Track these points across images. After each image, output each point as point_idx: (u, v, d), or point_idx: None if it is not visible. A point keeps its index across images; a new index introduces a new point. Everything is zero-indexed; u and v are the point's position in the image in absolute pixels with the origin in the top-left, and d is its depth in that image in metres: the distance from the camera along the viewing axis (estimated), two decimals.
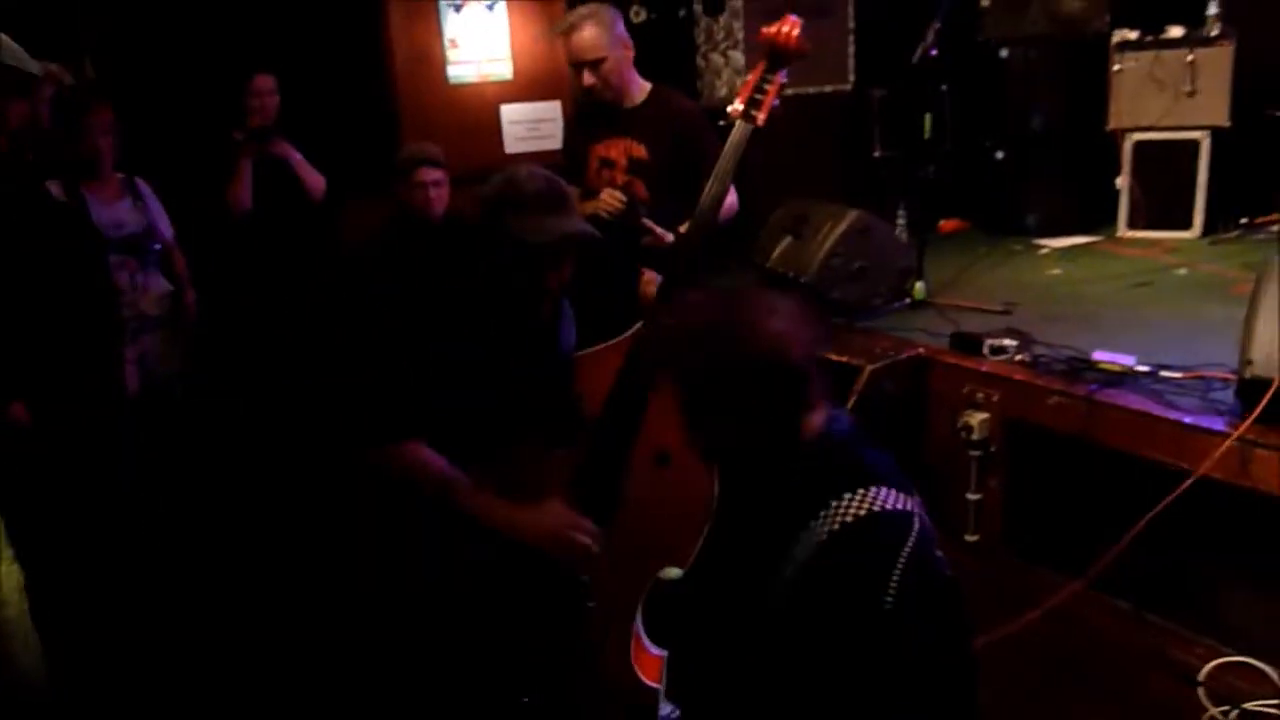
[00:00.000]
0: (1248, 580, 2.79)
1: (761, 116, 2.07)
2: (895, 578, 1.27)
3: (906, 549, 1.29)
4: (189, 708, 2.89)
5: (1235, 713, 2.50)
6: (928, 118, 3.95)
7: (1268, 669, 2.59)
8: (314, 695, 2.88)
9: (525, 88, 4.94)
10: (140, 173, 3.78)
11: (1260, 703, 2.52)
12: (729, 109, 2.10)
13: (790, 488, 1.38)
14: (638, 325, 2.04)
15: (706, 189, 2.08)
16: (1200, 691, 2.60)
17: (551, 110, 4.94)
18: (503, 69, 4.88)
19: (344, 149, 4.38)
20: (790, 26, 2.06)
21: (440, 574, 2.00)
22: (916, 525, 1.33)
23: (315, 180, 4.15)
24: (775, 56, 2.08)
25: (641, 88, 3.23)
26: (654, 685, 2.05)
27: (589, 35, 3.04)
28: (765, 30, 2.09)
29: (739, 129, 2.07)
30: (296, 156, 4.12)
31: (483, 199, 1.96)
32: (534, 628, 2.00)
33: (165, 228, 3.78)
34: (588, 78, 3.09)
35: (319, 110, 4.38)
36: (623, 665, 2.03)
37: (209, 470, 3.84)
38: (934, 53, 3.69)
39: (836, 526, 1.31)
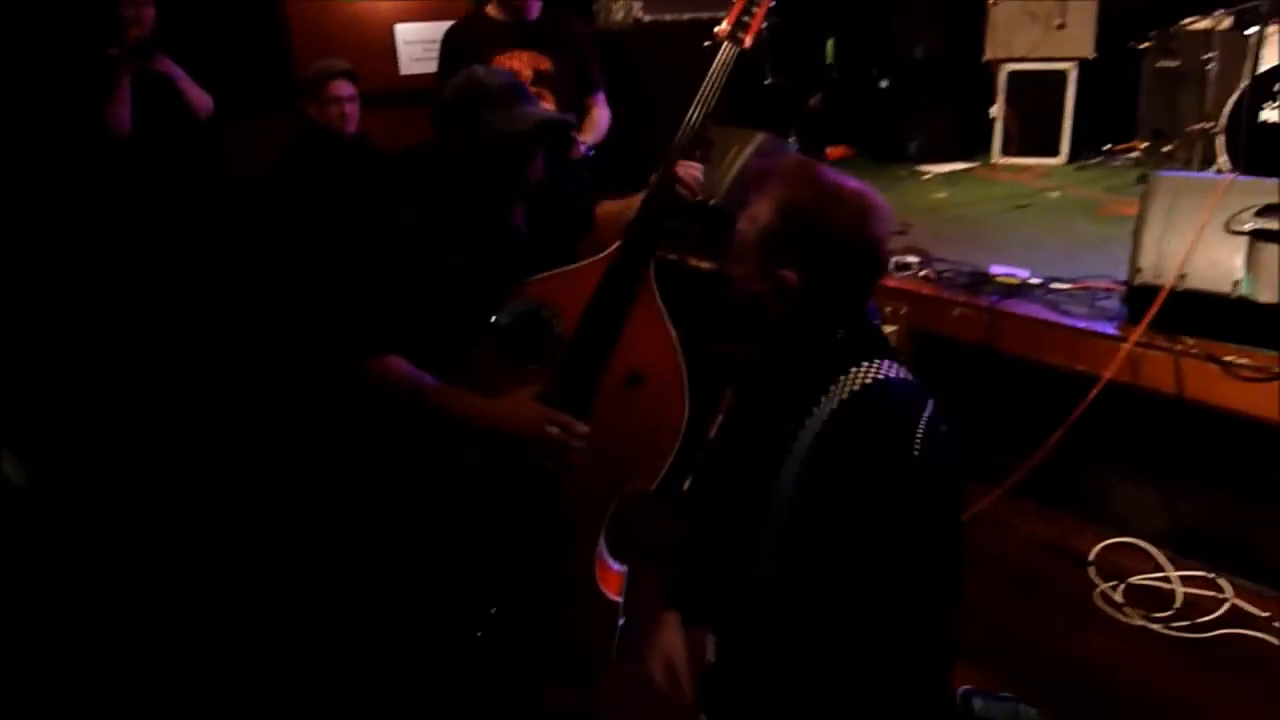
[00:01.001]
0: (1126, 470, 3.09)
1: (748, 39, 2.04)
2: (920, 431, 1.35)
3: (927, 411, 1.39)
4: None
5: (1122, 586, 2.79)
6: (830, 43, 4.05)
7: (1148, 547, 2.90)
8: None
9: (420, 7, 4.78)
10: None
11: (1142, 576, 2.83)
12: (715, 29, 2.05)
13: (821, 357, 1.46)
14: (616, 245, 2.03)
15: (693, 110, 2.06)
16: (1090, 570, 2.89)
17: None
18: None
19: (229, 66, 4.14)
20: None
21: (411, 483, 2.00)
22: (931, 399, 1.42)
23: (202, 99, 3.92)
24: None
25: (538, 3, 3.31)
26: (616, 599, 2.13)
27: None
28: None
29: (725, 51, 2.04)
30: (180, 73, 3.88)
31: (444, 102, 1.92)
32: (501, 541, 2.02)
33: None
34: None
35: (199, 25, 4.13)
36: (587, 579, 2.10)
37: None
38: None
39: (858, 386, 1.40)
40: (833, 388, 1.42)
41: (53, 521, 3.02)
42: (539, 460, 1.96)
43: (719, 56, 2.05)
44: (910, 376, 1.46)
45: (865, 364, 1.43)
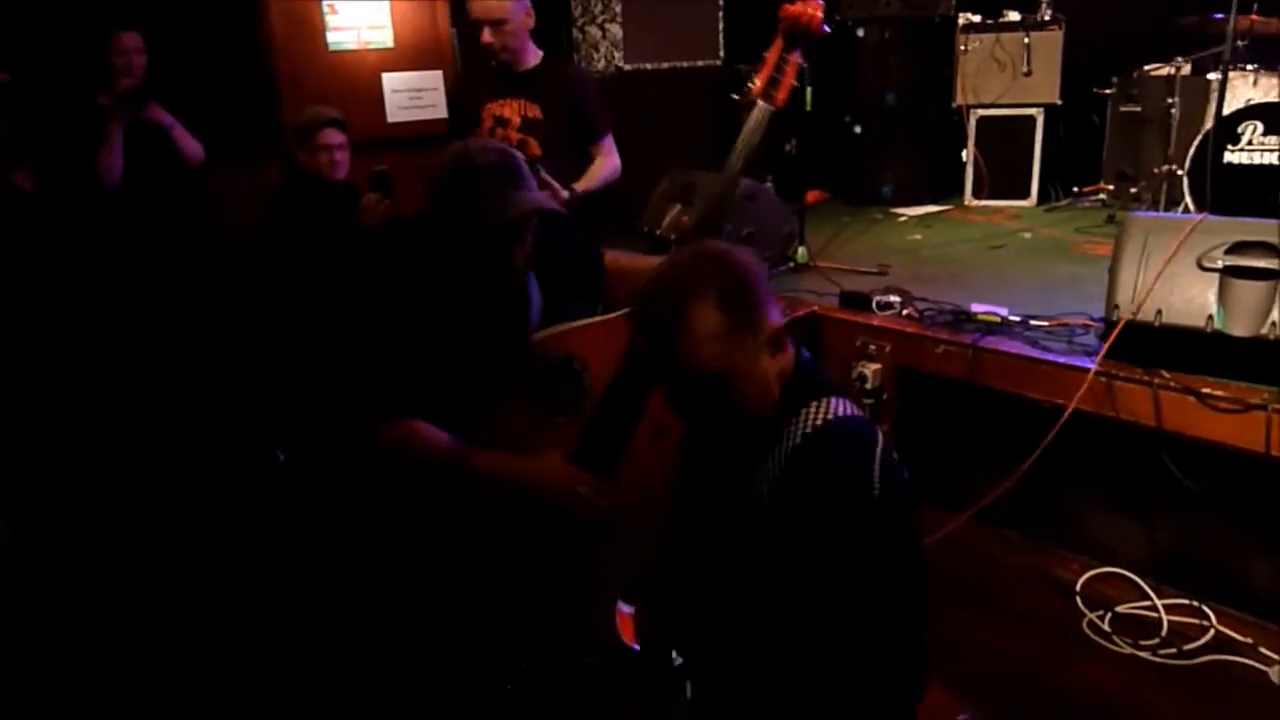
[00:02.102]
0: (1109, 501, 3.16)
1: (781, 96, 2.07)
2: (877, 469, 1.39)
3: (879, 447, 1.43)
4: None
5: (1109, 615, 2.85)
6: (809, 91, 4.17)
7: (1134, 576, 2.96)
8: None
9: (406, 56, 4.85)
10: None
11: (1129, 605, 2.88)
12: (748, 87, 2.08)
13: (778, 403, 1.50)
14: None
15: (728, 165, 2.09)
16: (1078, 600, 2.95)
17: (433, 80, 4.88)
18: (383, 36, 4.77)
19: (217, 114, 4.18)
20: (814, 8, 2.03)
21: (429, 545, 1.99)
22: (880, 431, 1.48)
23: (193, 147, 3.95)
24: (792, 36, 2.07)
25: (536, 54, 3.39)
26: (632, 645, 2.13)
27: None
28: (788, 8, 2.05)
29: (759, 109, 2.07)
30: (172, 121, 3.91)
31: (437, 181, 1.92)
32: (528, 597, 2.01)
33: None
34: (486, 35, 3.22)
35: (188, 72, 4.17)
36: (612, 630, 2.10)
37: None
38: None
39: (810, 429, 1.44)
40: (788, 430, 1.46)
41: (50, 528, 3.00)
42: (567, 515, 1.95)
43: (753, 114, 2.07)
44: (857, 411, 1.50)
45: (815, 403, 1.46)
